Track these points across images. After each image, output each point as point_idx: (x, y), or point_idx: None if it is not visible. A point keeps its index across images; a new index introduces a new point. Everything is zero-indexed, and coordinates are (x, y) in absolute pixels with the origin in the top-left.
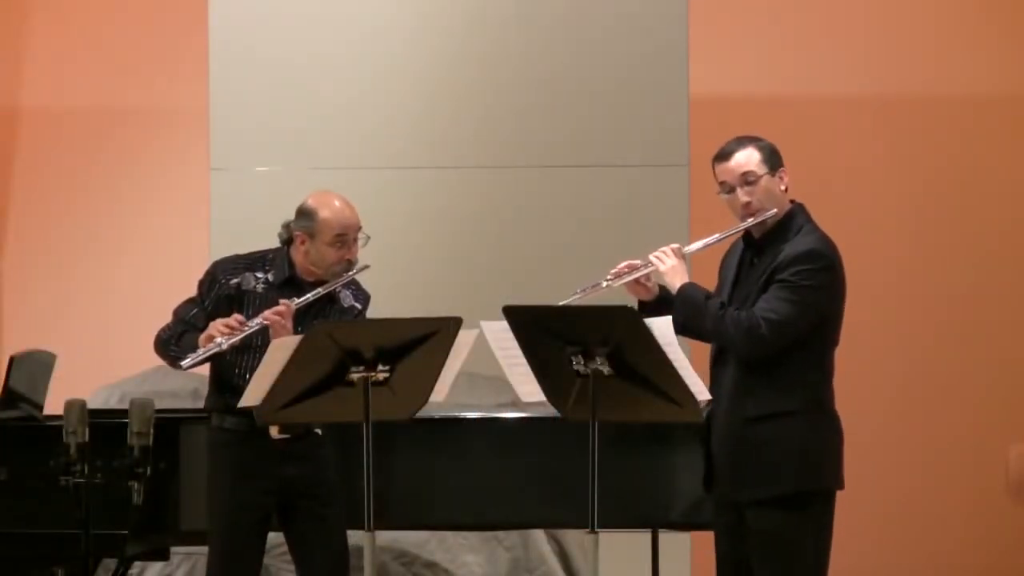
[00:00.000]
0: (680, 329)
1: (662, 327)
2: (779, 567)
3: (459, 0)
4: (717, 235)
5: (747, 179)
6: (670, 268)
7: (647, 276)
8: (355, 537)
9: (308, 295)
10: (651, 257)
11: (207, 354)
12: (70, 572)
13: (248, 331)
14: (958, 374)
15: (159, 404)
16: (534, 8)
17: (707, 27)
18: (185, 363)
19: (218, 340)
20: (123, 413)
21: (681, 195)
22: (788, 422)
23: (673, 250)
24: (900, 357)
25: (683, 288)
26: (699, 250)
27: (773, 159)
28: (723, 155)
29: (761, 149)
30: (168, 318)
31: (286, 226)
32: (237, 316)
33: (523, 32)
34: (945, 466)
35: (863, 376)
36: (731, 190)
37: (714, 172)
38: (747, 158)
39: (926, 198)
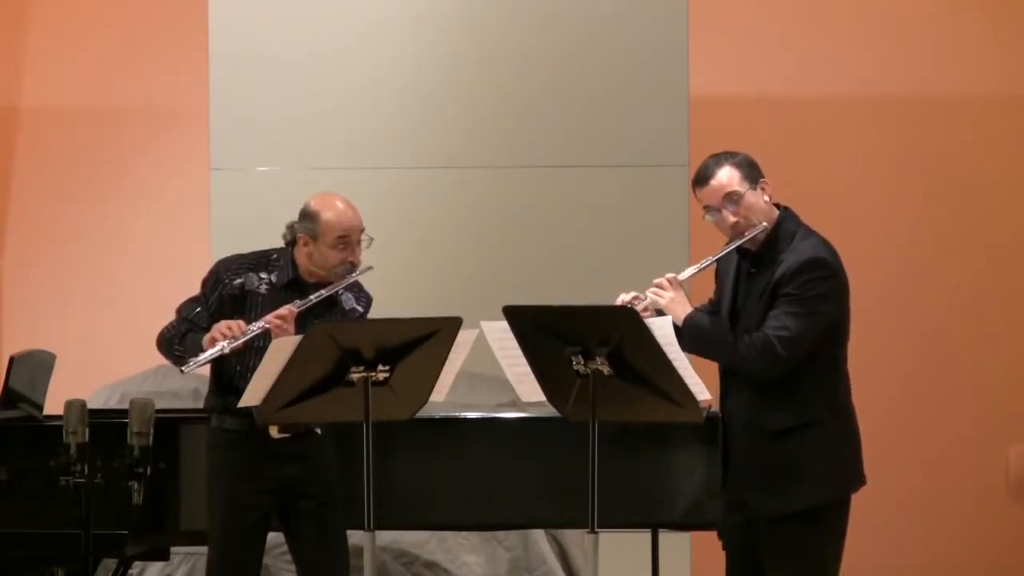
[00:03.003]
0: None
1: (662, 327)
2: (795, 573)
3: (459, 0)
4: (709, 258)
5: (731, 199)
6: (670, 300)
7: (644, 309)
8: (355, 537)
9: (311, 298)
10: (649, 293)
11: (210, 358)
12: (70, 572)
13: (250, 334)
14: (958, 374)
15: (159, 404)
16: (534, 8)
17: (707, 27)
18: (187, 368)
19: (221, 344)
20: (123, 413)
21: (681, 195)
22: (810, 435)
23: (669, 280)
24: (900, 357)
25: (688, 319)
26: (693, 275)
27: (752, 173)
28: (701, 179)
29: (738, 166)
30: (168, 318)
31: (290, 227)
32: (239, 323)
33: (523, 32)
34: (945, 466)
35: (863, 376)
36: (716, 211)
37: (695, 196)
38: (727, 177)
39: (926, 198)
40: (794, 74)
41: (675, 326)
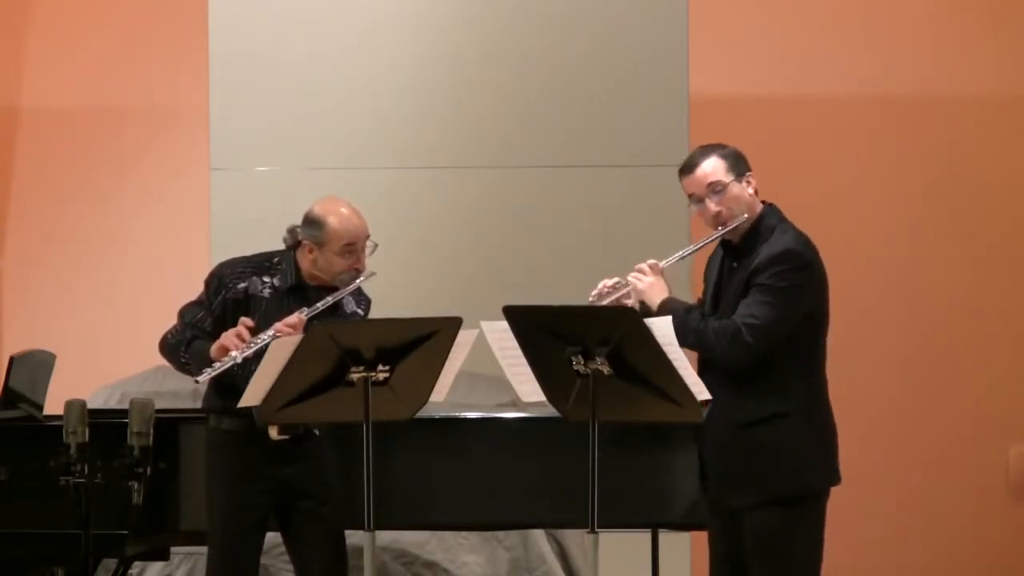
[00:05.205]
0: None
1: (662, 327)
2: (776, 565)
3: (459, 0)
4: (691, 247)
5: (714, 188)
6: (648, 285)
7: (627, 295)
8: (355, 537)
9: (318, 305)
10: (629, 277)
11: (223, 368)
12: (70, 572)
13: (261, 343)
14: (958, 374)
15: (159, 404)
16: (534, 8)
17: (707, 27)
18: (201, 378)
19: (233, 354)
20: (123, 413)
21: (681, 195)
22: (782, 425)
23: (650, 267)
24: (900, 356)
25: (663, 304)
26: (674, 263)
27: (739, 165)
28: (687, 167)
29: (725, 157)
30: (168, 317)
31: (292, 231)
32: (245, 320)
33: (523, 32)
34: (945, 466)
35: (863, 375)
36: (700, 200)
37: (682, 185)
38: (712, 167)
39: (926, 197)
40: (794, 74)
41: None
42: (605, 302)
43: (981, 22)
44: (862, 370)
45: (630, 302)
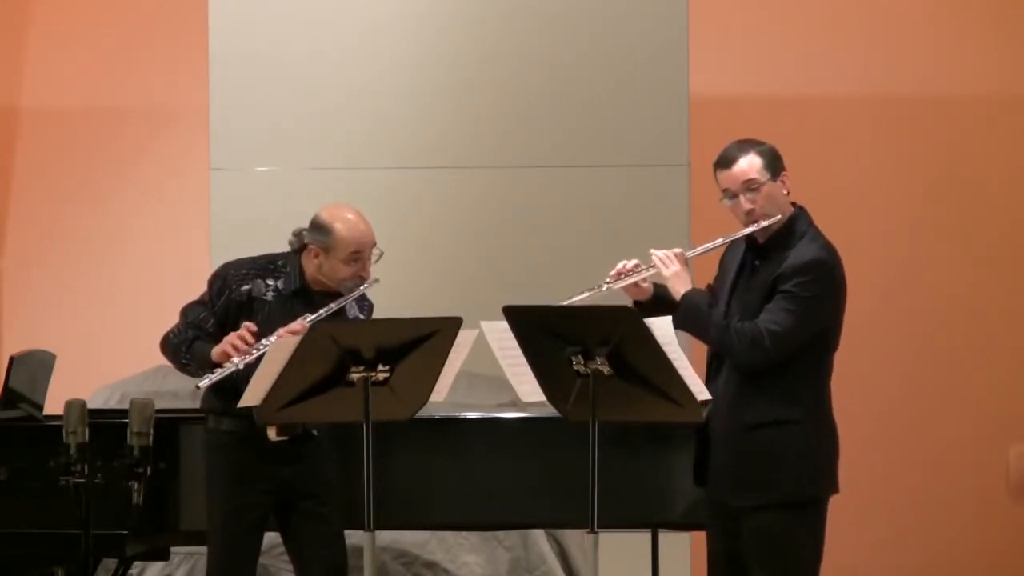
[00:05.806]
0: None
1: (662, 327)
2: (775, 567)
3: (459, 0)
4: (720, 239)
5: (750, 186)
6: (673, 274)
7: (646, 278)
8: (355, 537)
9: (321, 311)
10: (654, 260)
11: (224, 374)
12: (70, 572)
13: (263, 349)
14: (958, 374)
15: (159, 404)
16: (534, 8)
17: (707, 27)
18: (202, 384)
19: (235, 360)
20: (123, 413)
21: (681, 195)
22: (788, 430)
23: (676, 255)
24: (901, 357)
25: (687, 296)
26: (701, 254)
27: (775, 164)
28: (725, 162)
29: (763, 154)
30: (168, 317)
31: (298, 234)
32: (248, 325)
33: (523, 32)
34: (945, 466)
35: (864, 376)
36: (733, 196)
37: (715, 178)
38: (749, 164)
39: (926, 198)
40: (794, 74)
41: (662, 301)
42: (623, 283)
43: (981, 22)
44: (862, 370)
45: (646, 285)
